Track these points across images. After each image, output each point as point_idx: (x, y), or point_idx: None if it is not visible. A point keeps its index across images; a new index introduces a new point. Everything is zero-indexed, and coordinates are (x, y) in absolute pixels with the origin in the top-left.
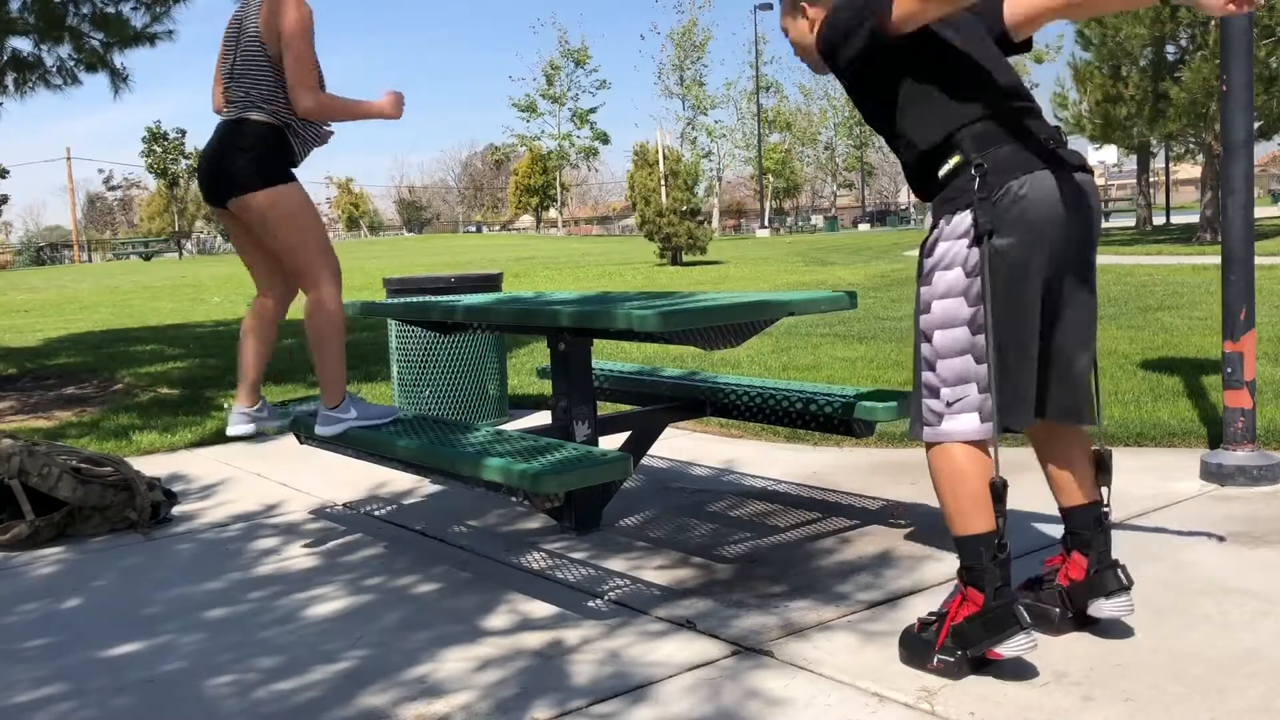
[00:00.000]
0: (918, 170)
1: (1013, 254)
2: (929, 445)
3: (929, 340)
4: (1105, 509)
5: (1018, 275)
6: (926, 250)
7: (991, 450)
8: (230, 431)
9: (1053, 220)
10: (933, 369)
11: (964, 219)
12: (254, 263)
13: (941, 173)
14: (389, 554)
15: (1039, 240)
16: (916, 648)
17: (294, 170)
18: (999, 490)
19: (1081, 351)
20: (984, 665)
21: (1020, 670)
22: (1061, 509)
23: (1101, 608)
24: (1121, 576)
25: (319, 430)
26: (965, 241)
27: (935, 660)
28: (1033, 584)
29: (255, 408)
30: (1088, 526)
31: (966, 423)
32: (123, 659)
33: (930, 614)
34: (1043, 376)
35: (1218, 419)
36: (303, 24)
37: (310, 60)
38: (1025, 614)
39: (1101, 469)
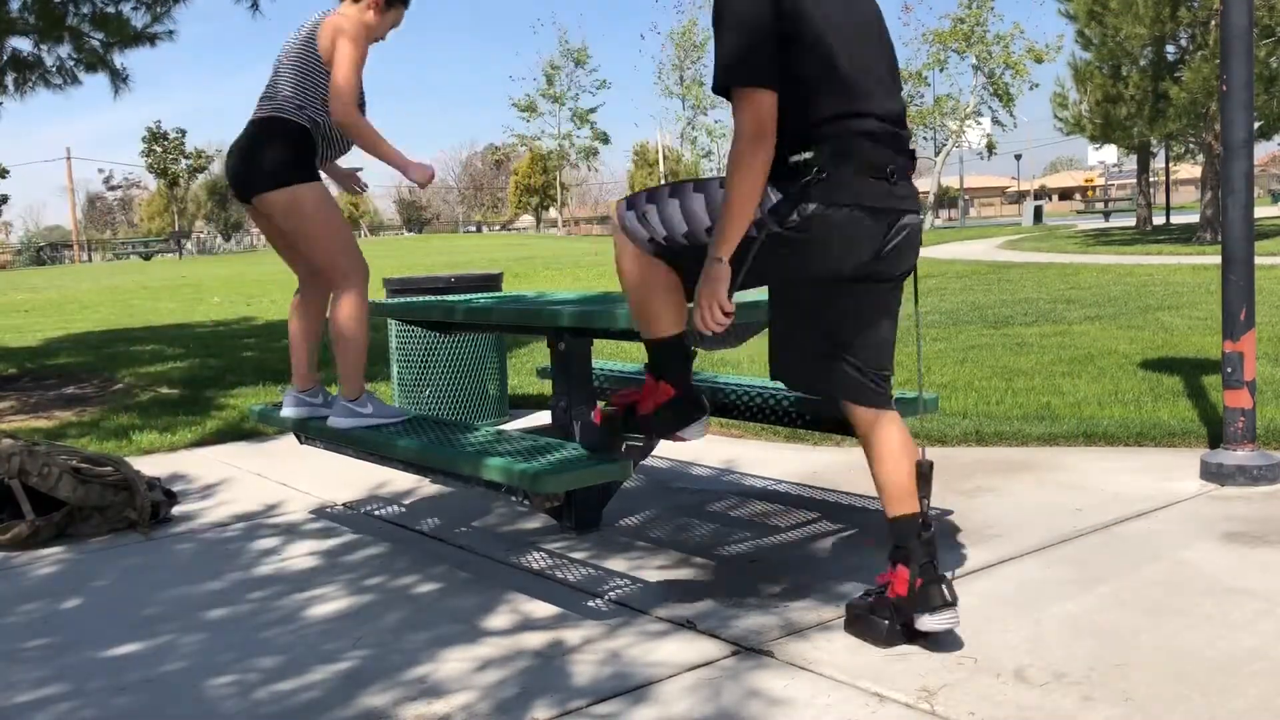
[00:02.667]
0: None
1: (797, 248)
2: (625, 243)
3: (690, 201)
4: (928, 521)
5: (795, 264)
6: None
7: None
8: (282, 413)
9: (841, 258)
10: (662, 208)
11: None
12: (289, 259)
13: (791, 160)
14: (389, 554)
15: (822, 257)
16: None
17: (317, 170)
18: (925, 472)
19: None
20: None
21: (1021, 671)
22: (887, 519)
23: (925, 622)
24: (946, 592)
25: (333, 421)
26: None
27: (625, 448)
28: (869, 595)
29: (308, 391)
30: (908, 538)
31: (645, 241)
32: (123, 659)
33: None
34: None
35: (1218, 419)
36: (357, 44)
37: (355, 77)
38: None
39: (922, 480)
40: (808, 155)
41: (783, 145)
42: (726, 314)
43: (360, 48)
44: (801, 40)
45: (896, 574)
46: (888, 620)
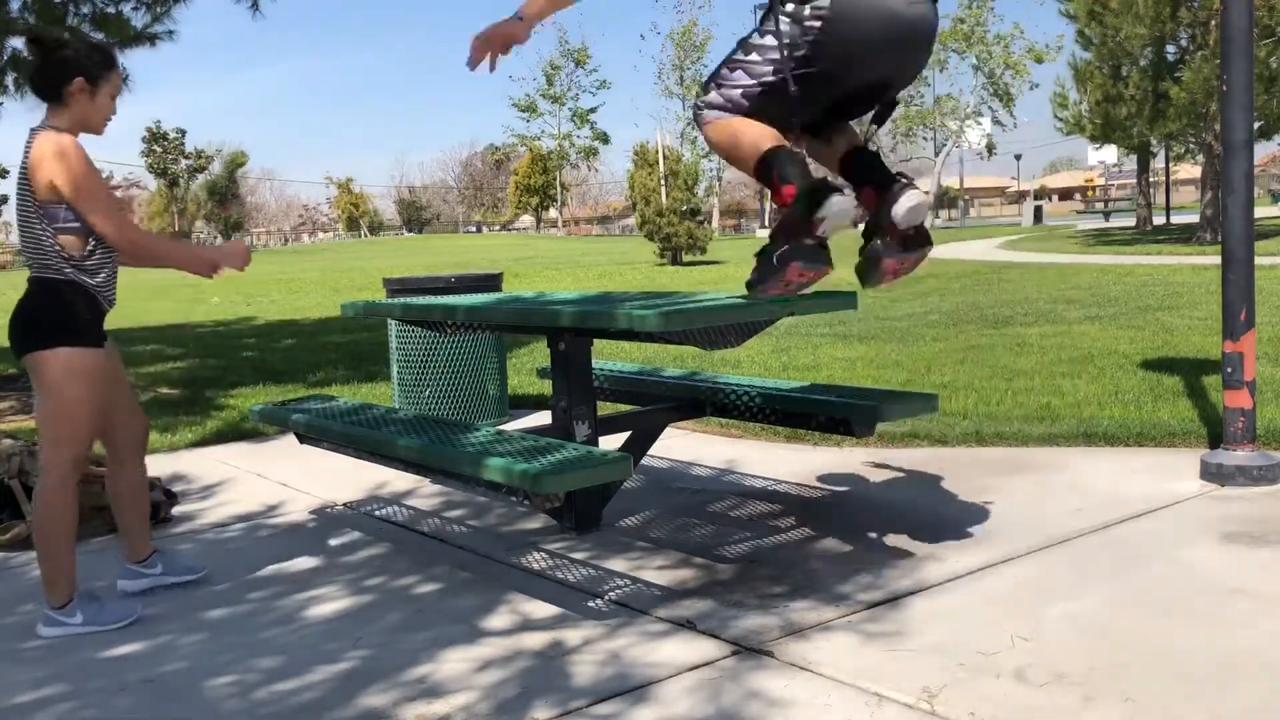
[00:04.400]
0: None
1: (820, 43)
2: (707, 127)
3: (743, 51)
4: (869, 142)
5: (827, 51)
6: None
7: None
8: (119, 585)
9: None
10: (730, 66)
11: None
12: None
13: None
14: (389, 554)
15: (842, 48)
16: (764, 266)
17: (82, 329)
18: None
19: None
20: (816, 245)
21: (1021, 671)
22: (840, 171)
23: (898, 209)
24: (900, 178)
25: (41, 629)
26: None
27: (774, 260)
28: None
29: (143, 562)
30: (861, 165)
31: (720, 108)
32: (123, 659)
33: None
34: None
35: (1218, 419)
36: (76, 170)
37: (105, 201)
38: (835, 179)
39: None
40: None
41: None
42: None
43: (85, 169)
44: None
45: (864, 195)
46: (880, 240)
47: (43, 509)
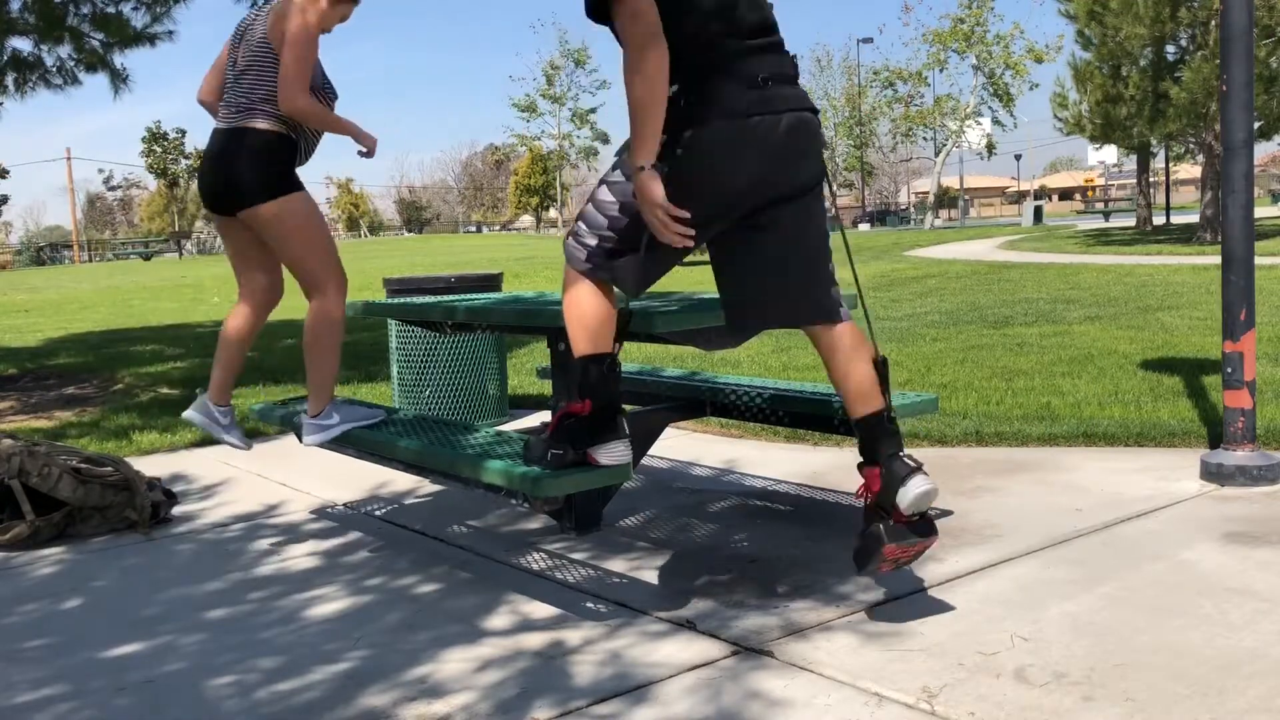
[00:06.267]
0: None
1: (684, 179)
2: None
3: (597, 193)
4: (891, 413)
5: (684, 196)
6: None
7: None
8: (185, 414)
9: (729, 168)
10: (585, 215)
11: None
12: (248, 268)
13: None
14: (389, 554)
15: (711, 179)
16: (536, 451)
17: (299, 178)
18: (624, 320)
19: (800, 272)
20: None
21: (1021, 671)
22: (854, 421)
23: (905, 496)
24: (908, 460)
25: (306, 440)
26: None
27: (549, 455)
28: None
29: (220, 409)
30: (879, 434)
31: (582, 261)
32: (123, 659)
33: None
34: (761, 288)
35: (1218, 419)
36: (308, 30)
37: (306, 62)
38: (625, 425)
39: (880, 376)
40: (673, 89)
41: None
42: (677, 218)
43: (310, 28)
44: None
45: (869, 474)
46: (879, 522)
47: (325, 325)
